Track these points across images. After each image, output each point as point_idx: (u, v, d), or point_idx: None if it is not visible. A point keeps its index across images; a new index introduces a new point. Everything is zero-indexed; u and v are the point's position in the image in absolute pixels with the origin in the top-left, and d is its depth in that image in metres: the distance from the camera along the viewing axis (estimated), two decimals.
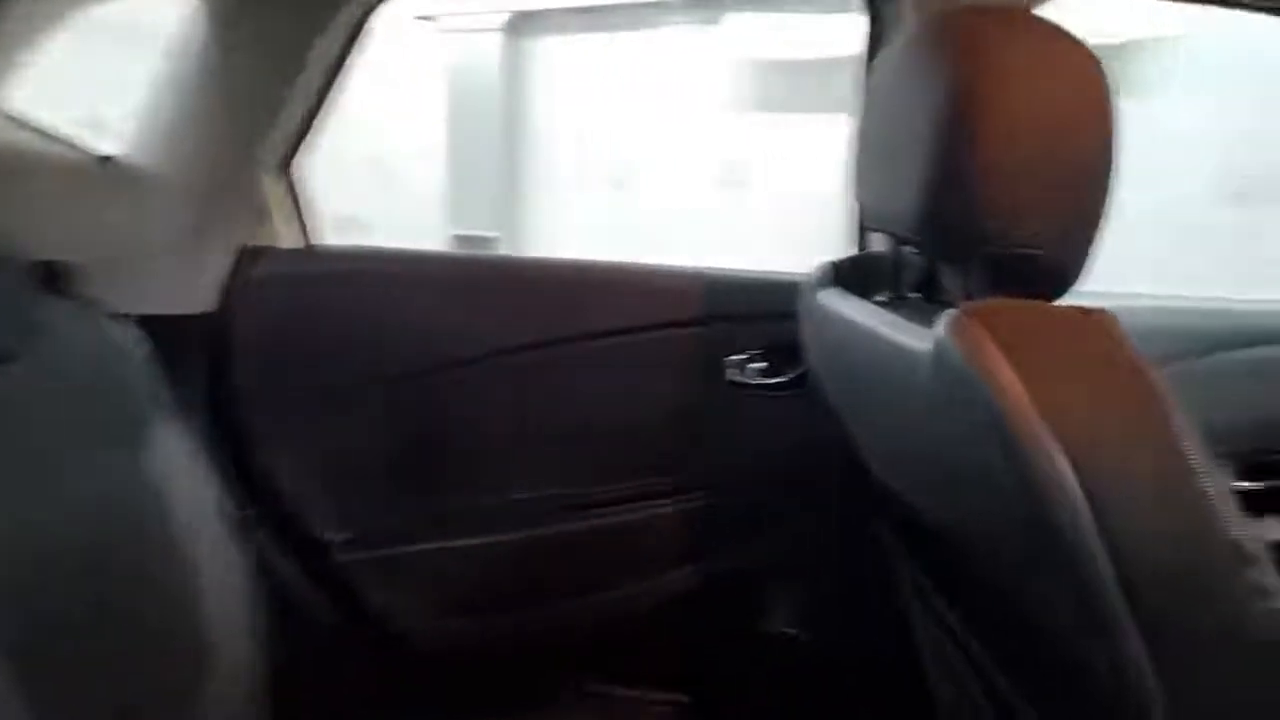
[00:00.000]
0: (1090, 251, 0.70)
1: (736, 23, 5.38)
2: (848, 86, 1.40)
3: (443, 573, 1.26)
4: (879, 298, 0.89)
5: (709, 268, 1.25)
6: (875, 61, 0.91)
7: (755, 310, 1.21)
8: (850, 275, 0.96)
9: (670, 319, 1.21)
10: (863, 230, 1.24)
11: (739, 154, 5.54)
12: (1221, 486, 0.58)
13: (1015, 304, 0.66)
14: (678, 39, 5.62)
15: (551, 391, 1.23)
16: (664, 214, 5.59)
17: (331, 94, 1.26)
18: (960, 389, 0.62)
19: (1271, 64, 4.21)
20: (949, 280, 0.84)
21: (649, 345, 1.21)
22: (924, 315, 0.71)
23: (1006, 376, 0.59)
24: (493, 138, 6.02)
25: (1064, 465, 0.57)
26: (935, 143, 0.68)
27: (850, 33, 1.31)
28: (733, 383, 1.21)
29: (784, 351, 1.18)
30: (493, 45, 5.93)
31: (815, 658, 1.27)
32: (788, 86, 5.34)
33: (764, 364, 1.21)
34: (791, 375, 1.20)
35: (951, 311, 0.65)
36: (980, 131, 0.66)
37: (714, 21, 5.45)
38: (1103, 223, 0.70)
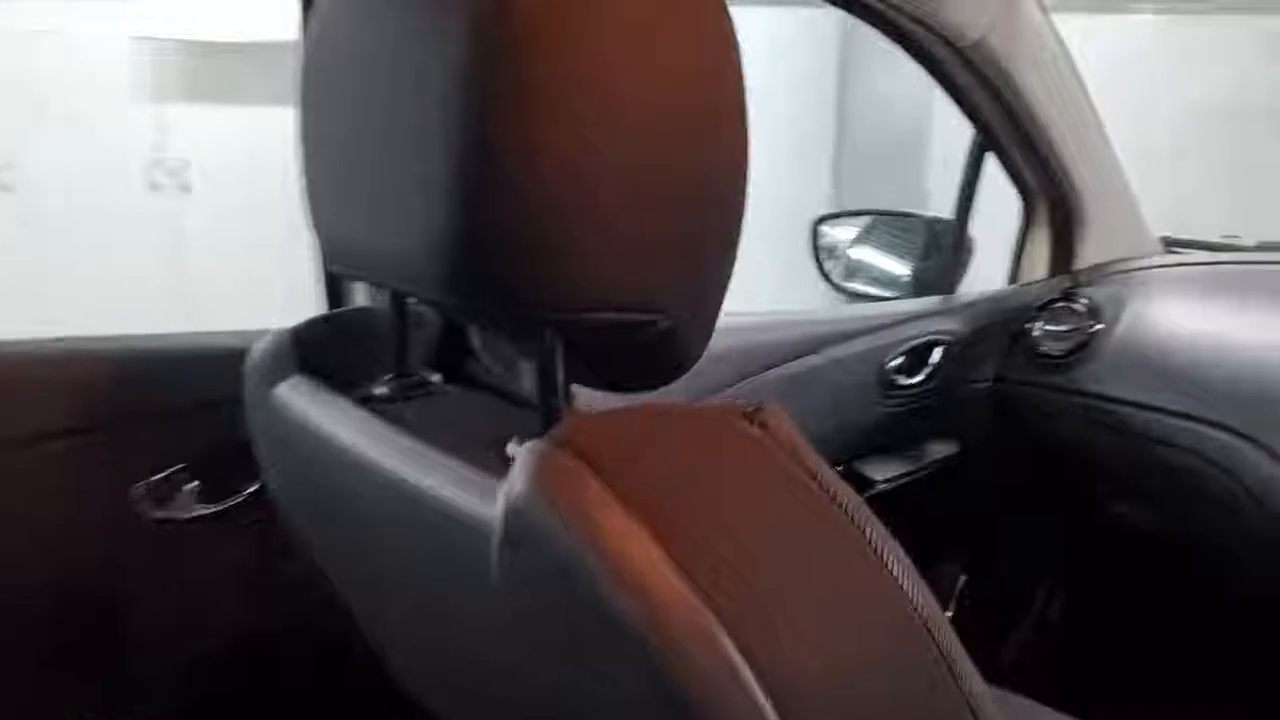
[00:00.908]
0: (719, 307, 0.44)
1: None
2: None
3: None
4: (378, 389, 0.54)
5: (102, 337, 0.79)
6: None
7: (184, 399, 0.78)
8: (323, 350, 0.59)
9: (45, 428, 0.73)
10: (334, 276, 0.85)
11: (174, 151, 4.72)
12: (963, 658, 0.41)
13: (638, 414, 0.39)
14: (70, 10, 4.59)
15: None
16: (74, 225, 4.55)
17: None
18: (560, 575, 0.37)
19: None
20: (492, 348, 0.54)
21: (15, 474, 0.73)
22: (469, 424, 0.45)
23: (642, 552, 0.35)
24: None
25: (748, 681, 0.35)
26: (456, 132, 0.38)
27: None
28: (157, 519, 0.76)
29: (231, 458, 0.76)
30: None
31: None
32: (220, 72, 4.67)
33: (198, 482, 0.78)
34: (242, 497, 0.79)
35: (533, 445, 0.37)
36: (537, 107, 0.38)
37: None
38: (734, 260, 0.44)
